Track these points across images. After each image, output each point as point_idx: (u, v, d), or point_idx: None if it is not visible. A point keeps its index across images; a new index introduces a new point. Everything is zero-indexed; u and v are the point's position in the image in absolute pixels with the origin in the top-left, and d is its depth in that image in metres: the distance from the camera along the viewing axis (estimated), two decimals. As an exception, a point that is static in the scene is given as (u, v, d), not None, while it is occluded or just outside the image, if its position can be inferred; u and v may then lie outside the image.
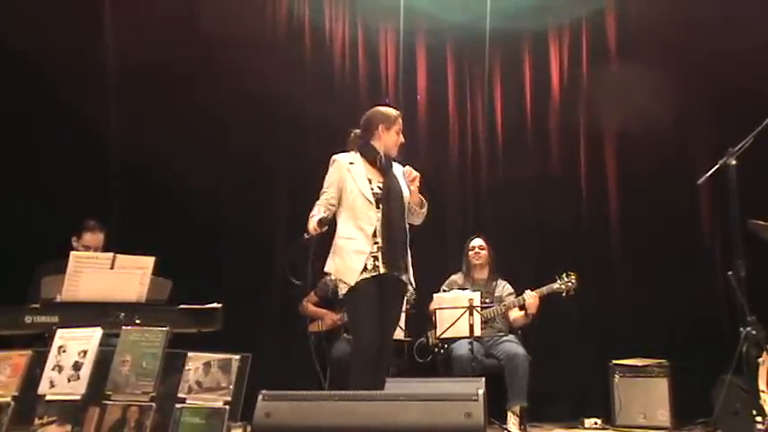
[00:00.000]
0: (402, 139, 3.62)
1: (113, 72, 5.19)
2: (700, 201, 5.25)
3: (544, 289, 4.76)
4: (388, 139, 3.58)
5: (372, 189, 3.49)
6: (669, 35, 5.30)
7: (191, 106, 5.28)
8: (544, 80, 5.81)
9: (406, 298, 3.73)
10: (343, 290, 3.43)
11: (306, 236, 3.40)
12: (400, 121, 3.62)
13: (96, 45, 5.13)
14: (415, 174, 3.52)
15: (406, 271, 3.54)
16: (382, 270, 3.42)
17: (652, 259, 5.34)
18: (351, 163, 3.54)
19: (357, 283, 3.38)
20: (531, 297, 4.75)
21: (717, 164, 3.88)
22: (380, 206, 3.47)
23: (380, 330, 3.42)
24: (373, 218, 3.45)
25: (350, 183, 3.49)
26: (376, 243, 3.43)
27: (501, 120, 5.87)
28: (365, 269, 3.40)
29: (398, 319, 3.76)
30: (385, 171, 3.54)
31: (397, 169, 3.62)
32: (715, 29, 5.10)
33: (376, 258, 3.42)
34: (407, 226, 3.58)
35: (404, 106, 5.75)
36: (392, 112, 3.64)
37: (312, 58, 5.80)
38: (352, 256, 3.41)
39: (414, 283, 3.61)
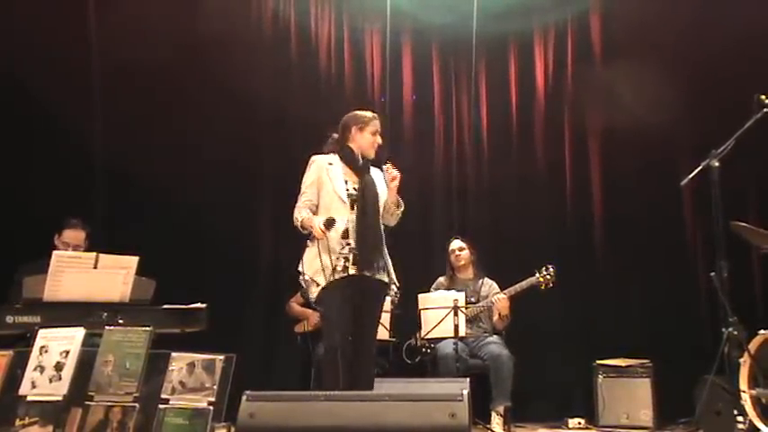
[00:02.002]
0: (379, 140, 3.64)
1: (97, 72, 5.14)
2: (683, 202, 5.30)
3: (517, 286, 4.78)
4: (363, 140, 3.62)
5: (348, 190, 3.52)
6: (654, 36, 5.35)
7: (175, 106, 5.25)
8: (529, 80, 5.83)
9: (390, 298, 3.72)
10: (314, 292, 3.42)
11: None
12: (376, 122, 3.65)
13: (80, 45, 5.08)
14: (395, 172, 3.52)
15: (385, 271, 3.54)
16: (351, 271, 3.43)
17: (635, 260, 5.38)
18: (330, 164, 3.58)
19: (328, 283, 3.39)
20: (498, 300, 4.78)
21: (700, 165, 3.90)
22: (354, 207, 3.49)
23: (356, 331, 3.42)
24: (345, 218, 3.47)
25: (327, 183, 3.53)
26: (348, 244, 3.45)
27: (486, 120, 5.89)
28: (335, 270, 3.40)
29: (378, 320, 3.71)
30: (361, 173, 3.57)
31: (376, 173, 3.64)
32: (699, 29, 5.15)
33: (347, 259, 3.43)
34: (382, 227, 3.57)
35: (390, 107, 5.79)
36: (367, 114, 3.68)
37: (298, 58, 5.79)
38: (323, 256, 3.40)
39: (397, 283, 3.60)
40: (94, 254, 3.30)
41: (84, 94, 5.07)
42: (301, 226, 3.46)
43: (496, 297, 4.81)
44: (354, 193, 3.52)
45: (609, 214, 5.55)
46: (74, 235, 4.11)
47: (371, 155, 3.64)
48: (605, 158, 5.61)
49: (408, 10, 5.84)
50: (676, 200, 5.24)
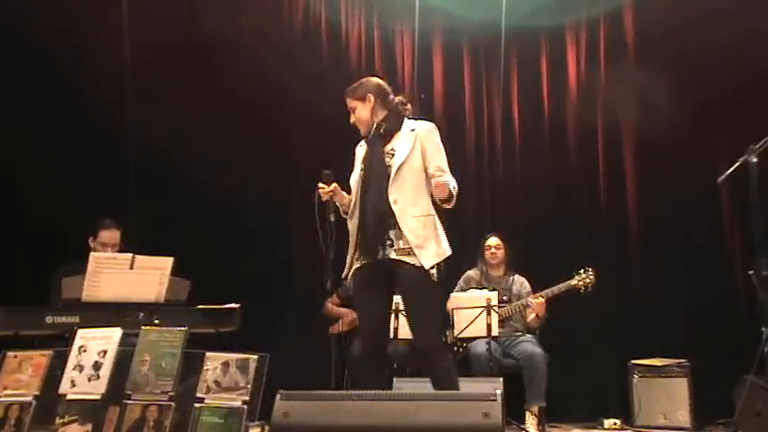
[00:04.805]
0: (353, 119, 3.35)
1: (132, 70, 5.22)
2: (720, 199, 5.20)
3: (555, 288, 4.75)
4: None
5: (362, 170, 3.30)
6: (688, 32, 5.24)
7: (208, 104, 5.31)
8: (561, 78, 5.76)
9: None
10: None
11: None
12: (347, 101, 3.38)
13: (115, 43, 5.15)
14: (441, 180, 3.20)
15: (411, 254, 3.12)
16: (362, 261, 3.23)
17: (672, 258, 5.29)
18: (360, 147, 3.41)
19: (348, 274, 3.27)
20: (535, 302, 4.74)
21: (738, 161, 3.83)
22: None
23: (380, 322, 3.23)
24: (358, 202, 3.26)
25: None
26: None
27: (518, 117, 5.82)
28: (355, 258, 3.25)
29: (421, 309, 3.22)
30: (369, 147, 3.32)
31: (407, 132, 3.30)
32: (734, 26, 5.04)
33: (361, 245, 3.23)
34: (393, 202, 3.15)
35: (420, 105, 5.76)
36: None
37: (328, 55, 5.79)
38: (349, 247, 3.30)
39: (438, 260, 3.19)
40: (130, 255, 3.35)
41: (120, 92, 5.14)
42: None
43: (533, 300, 4.77)
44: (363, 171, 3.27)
45: (644, 211, 5.46)
46: (109, 235, 4.16)
47: (362, 131, 3.35)
48: (640, 156, 5.52)
49: (438, 7, 5.81)
50: (713, 197, 5.14)
